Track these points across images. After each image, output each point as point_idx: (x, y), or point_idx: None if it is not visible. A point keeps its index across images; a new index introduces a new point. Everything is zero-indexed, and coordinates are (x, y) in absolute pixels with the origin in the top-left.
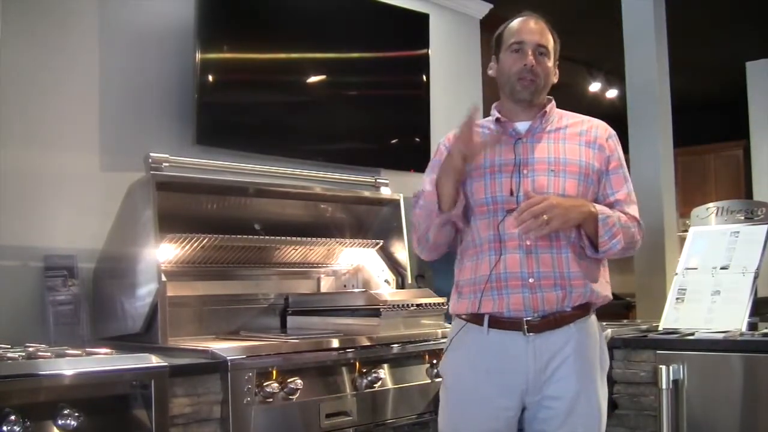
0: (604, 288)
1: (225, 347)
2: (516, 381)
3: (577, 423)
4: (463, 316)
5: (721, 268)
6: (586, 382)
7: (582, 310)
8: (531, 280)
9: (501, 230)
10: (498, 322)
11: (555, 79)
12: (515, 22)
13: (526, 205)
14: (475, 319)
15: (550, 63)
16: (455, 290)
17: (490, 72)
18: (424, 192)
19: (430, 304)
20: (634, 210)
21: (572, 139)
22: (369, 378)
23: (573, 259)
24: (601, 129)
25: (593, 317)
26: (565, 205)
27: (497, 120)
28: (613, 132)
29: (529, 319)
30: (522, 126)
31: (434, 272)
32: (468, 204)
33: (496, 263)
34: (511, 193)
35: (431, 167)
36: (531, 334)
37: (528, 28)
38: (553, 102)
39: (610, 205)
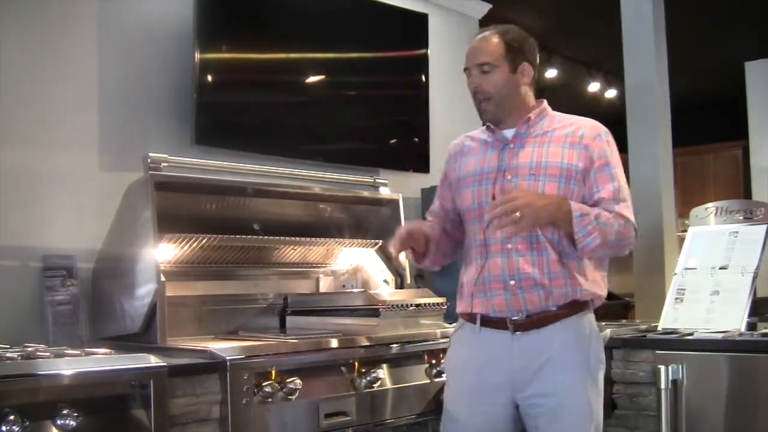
0: (592, 286)
1: (224, 347)
2: (503, 378)
3: (566, 420)
4: (462, 315)
5: (720, 268)
6: (573, 381)
7: (569, 309)
8: (512, 283)
9: (487, 235)
10: (488, 321)
11: (526, 80)
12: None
13: (500, 201)
14: (470, 318)
15: (500, 73)
16: (458, 290)
17: None
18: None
19: (429, 304)
20: (623, 208)
21: (557, 141)
22: (368, 378)
23: (554, 260)
24: (588, 129)
25: (587, 317)
26: (537, 204)
27: (487, 127)
28: (603, 130)
29: (515, 318)
30: (509, 132)
31: (433, 272)
32: (458, 207)
33: (482, 267)
34: (494, 199)
35: (441, 179)
36: (517, 332)
37: (470, 50)
38: (545, 106)
39: (596, 204)
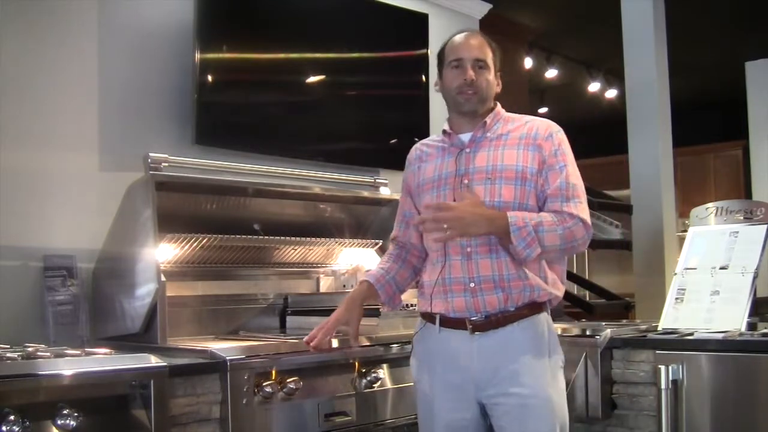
0: (550, 287)
1: (224, 347)
2: (465, 377)
3: (530, 417)
4: (423, 315)
5: (721, 268)
6: (533, 378)
7: (528, 309)
8: (472, 285)
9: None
10: (447, 322)
11: (498, 89)
12: (455, 39)
13: (435, 206)
14: (430, 318)
15: (491, 75)
16: (419, 290)
17: (436, 88)
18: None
19: None
20: (572, 205)
21: (512, 144)
22: (368, 378)
23: (511, 261)
24: (541, 128)
25: (543, 315)
26: (467, 220)
27: (444, 132)
28: (555, 129)
29: (474, 318)
30: (466, 137)
31: None
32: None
33: (442, 269)
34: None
35: (402, 185)
36: (476, 333)
37: (467, 44)
38: (498, 109)
39: (545, 200)
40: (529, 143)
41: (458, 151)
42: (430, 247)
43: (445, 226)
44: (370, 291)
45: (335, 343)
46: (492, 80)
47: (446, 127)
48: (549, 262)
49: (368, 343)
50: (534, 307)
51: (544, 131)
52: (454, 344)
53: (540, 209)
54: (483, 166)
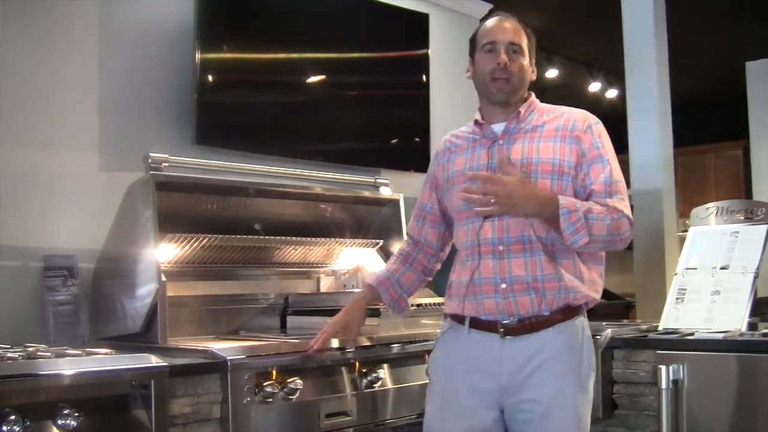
0: (587, 288)
1: (225, 347)
2: (491, 382)
3: (552, 427)
4: (451, 316)
5: (721, 268)
6: (563, 387)
7: (563, 314)
8: (503, 286)
9: (479, 236)
10: (478, 324)
11: (533, 77)
12: (488, 23)
13: (484, 180)
14: (460, 319)
15: (525, 61)
16: (447, 290)
17: (467, 75)
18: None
19: (430, 304)
20: (617, 201)
21: (549, 136)
22: (369, 378)
23: (546, 261)
24: (579, 120)
25: (579, 320)
26: (515, 199)
27: (476, 122)
28: (594, 120)
29: (506, 322)
30: (498, 128)
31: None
32: (447, 211)
33: (474, 269)
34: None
35: (427, 177)
36: (508, 337)
37: (501, 27)
38: (533, 99)
39: (589, 196)
40: (566, 135)
41: (490, 142)
42: (461, 245)
43: (492, 201)
44: (374, 294)
45: (335, 343)
46: (526, 67)
47: (477, 116)
48: (585, 261)
49: (369, 343)
50: (569, 312)
51: (582, 123)
52: (483, 348)
53: None
54: (517, 159)
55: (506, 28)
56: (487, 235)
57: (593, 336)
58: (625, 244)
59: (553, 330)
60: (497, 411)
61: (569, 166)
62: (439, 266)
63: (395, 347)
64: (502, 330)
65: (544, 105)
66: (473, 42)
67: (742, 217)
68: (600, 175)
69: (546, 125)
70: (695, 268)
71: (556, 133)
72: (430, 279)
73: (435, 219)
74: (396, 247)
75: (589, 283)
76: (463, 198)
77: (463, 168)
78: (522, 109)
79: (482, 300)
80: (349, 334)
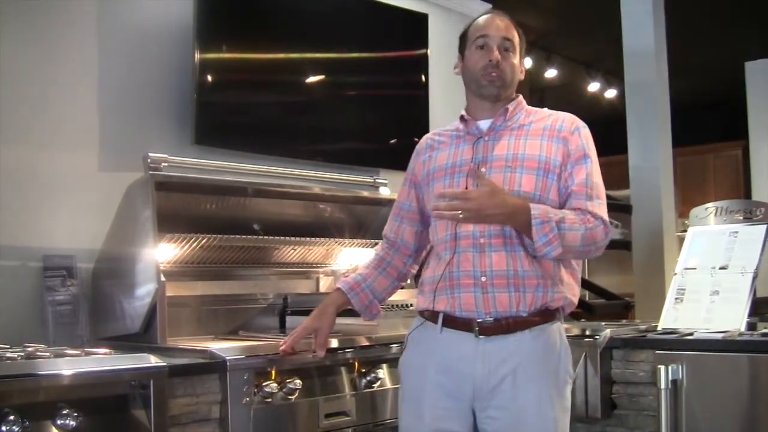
0: (566, 289)
1: (224, 347)
2: (463, 383)
3: None
4: (422, 313)
5: (720, 268)
6: (538, 394)
7: (540, 317)
8: (483, 279)
9: (458, 229)
10: (451, 322)
11: (522, 76)
12: (480, 19)
13: (451, 193)
14: (432, 316)
15: (516, 59)
16: (419, 286)
17: (455, 71)
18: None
19: None
20: (596, 205)
21: (536, 134)
22: (368, 378)
23: (527, 257)
24: (567, 122)
25: (556, 325)
26: (485, 210)
27: (461, 118)
28: (581, 124)
29: (480, 320)
30: (484, 124)
31: None
32: (425, 210)
33: (450, 262)
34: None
35: (406, 176)
36: (482, 336)
37: (493, 23)
38: (520, 99)
39: (568, 196)
40: (553, 135)
41: (475, 138)
42: (438, 239)
43: (461, 216)
44: (345, 298)
45: (335, 343)
46: (517, 65)
47: (463, 112)
48: (564, 265)
49: (368, 343)
50: (546, 315)
51: (569, 125)
52: (455, 347)
53: (561, 206)
54: (503, 154)
55: (499, 24)
56: (468, 228)
57: (593, 336)
58: (600, 252)
59: (529, 332)
60: (471, 416)
61: (555, 164)
62: (414, 270)
63: (394, 347)
64: (476, 329)
65: (530, 107)
66: (464, 38)
67: (742, 217)
68: (581, 175)
69: (533, 124)
70: (694, 268)
71: (543, 132)
72: (405, 284)
73: (413, 217)
74: None
75: (568, 286)
76: (434, 215)
77: (446, 163)
78: (510, 107)
79: (459, 294)
80: (318, 338)
